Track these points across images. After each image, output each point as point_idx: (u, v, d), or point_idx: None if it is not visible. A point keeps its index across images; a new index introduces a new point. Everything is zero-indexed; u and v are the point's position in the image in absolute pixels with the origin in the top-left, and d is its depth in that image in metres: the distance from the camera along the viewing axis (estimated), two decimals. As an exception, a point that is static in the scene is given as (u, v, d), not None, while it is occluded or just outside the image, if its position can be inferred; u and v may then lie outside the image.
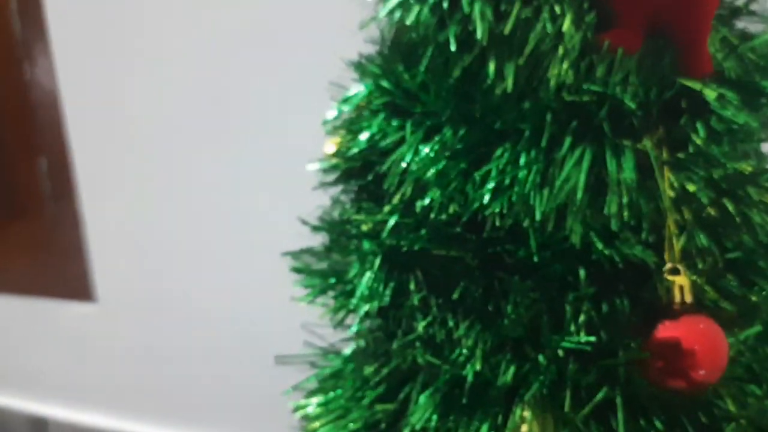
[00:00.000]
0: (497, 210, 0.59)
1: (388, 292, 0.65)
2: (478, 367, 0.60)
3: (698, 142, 0.60)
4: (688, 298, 0.58)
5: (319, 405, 0.72)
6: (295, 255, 0.78)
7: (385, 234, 0.65)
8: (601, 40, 0.59)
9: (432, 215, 0.63)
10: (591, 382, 0.58)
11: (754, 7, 0.66)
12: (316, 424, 0.70)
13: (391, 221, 0.65)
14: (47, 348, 2.15)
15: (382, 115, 0.67)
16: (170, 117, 1.72)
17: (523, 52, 0.60)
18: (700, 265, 0.60)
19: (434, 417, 0.62)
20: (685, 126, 0.60)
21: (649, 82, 0.59)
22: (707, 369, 0.55)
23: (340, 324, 0.74)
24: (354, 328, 0.70)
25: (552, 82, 0.59)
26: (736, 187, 0.60)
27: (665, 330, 0.57)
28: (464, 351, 0.62)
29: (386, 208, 0.67)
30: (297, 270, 0.76)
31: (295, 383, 0.81)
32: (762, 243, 0.62)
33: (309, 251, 0.78)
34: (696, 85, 0.58)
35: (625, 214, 0.57)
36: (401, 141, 0.66)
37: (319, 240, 0.78)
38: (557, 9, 0.59)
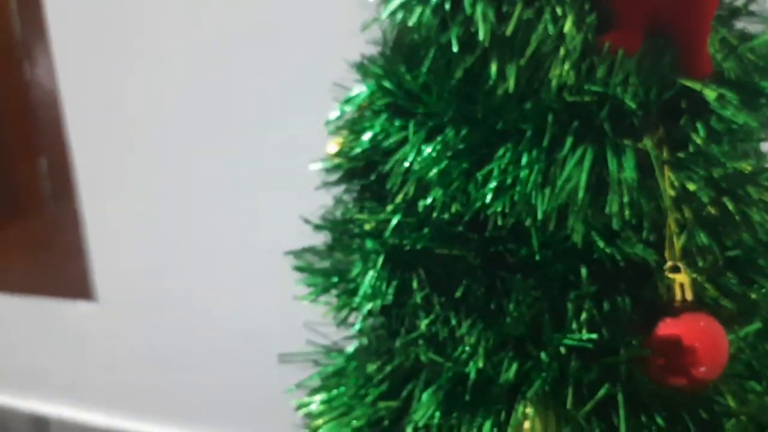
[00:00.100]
0: (499, 209, 0.60)
1: (390, 290, 0.66)
2: (480, 364, 0.61)
3: (698, 141, 0.60)
4: (689, 296, 0.58)
5: (323, 402, 0.73)
6: (298, 254, 0.79)
7: (387, 233, 0.66)
8: (602, 41, 0.59)
9: (434, 214, 0.63)
10: (592, 380, 0.59)
11: (753, 7, 0.67)
12: (320, 421, 0.71)
13: (394, 220, 0.66)
14: (48, 347, 2.16)
15: (384, 116, 0.67)
16: (171, 117, 1.72)
17: (525, 53, 0.61)
18: (700, 263, 0.61)
19: (437, 414, 0.63)
20: (685, 126, 0.61)
21: (649, 83, 0.60)
22: (708, 366, 0.56)
23: (343, 322, 0.74)
24: (357, 327, 0.71)
25: (553, 83, 0.59)
26: (736, 186, 0.61)
27: (666, 327, 0.57)
28: (467, 349, 0.62)
29: (389, 208, 0.67)
30: (300, 269, 0.77)
31: (298, 381, 0.82)
32: (761, 241, 0.63)
33: (311, 250, 0.78)
34: (696, 86, 0.59)
35: (626, 213, 0.58)
36: (404, 141, 0.67)
37: (320, 239, 0.79)
38: (558, 10, 0.60)
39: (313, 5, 1.45)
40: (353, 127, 0.72)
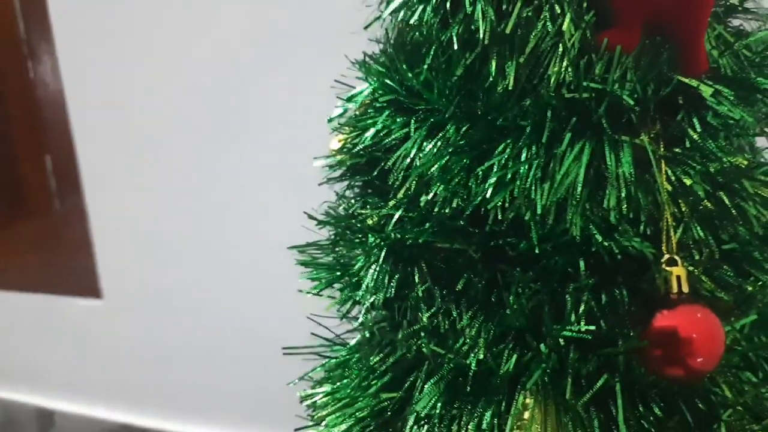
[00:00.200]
0: (499, 204, 0.61)
1: (393, 284, 0.67)
2: (481, 356, 0.62)
3: (695, 136, 0.61)
4: (685, 288, 0.59)
5: (327, 394, 0.74)
6: (301, 248, 0.80)
7: (390, 228, 0.67)
8: (600, 39, 0.60)
9: (436, 209, 0.64)
10: (591, 370, 0.60)
11: (748, 4, 0.68)
12: (324, 412, 0.72)
13: (396, 215, 0.67)
14: (54, 343, 2.17)
15: (386, 113, 0.69)
16: (175, 114, 1.73)
17: (524, 51, 0.62)
18: (696, 256, 0.62)
19: (439, 405, 0.64)
20: (682, 121, 0.62)
21: (647, 79, 0.61)
22: (705, 357, 0.57)
23: (346, 315, 0.75)
24: (360, 320, 0.72)
25: (552, 80, 0.60)
26: (732, 181, 0.62)
27: (663, 319, 0.58)
28: (467, 341, 0.63)
29: (391, 203, 0.68)
30: (304, 263, 0.78)
31: (301, 375, 0.83)
32: (757, 234, 0.64)
33: (315, 245, 0.79)
34: (692, 82, 0.60)
35: (624, 207, 0.59)
36: (406, 137, 0.68)
37: (322, 235, 0.80)
38: (557, 8, 0.61)
39: (316, 4, 1.46)
40: (356, 123, 0.73)
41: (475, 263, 0.65)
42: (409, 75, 0.68)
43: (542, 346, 0.60)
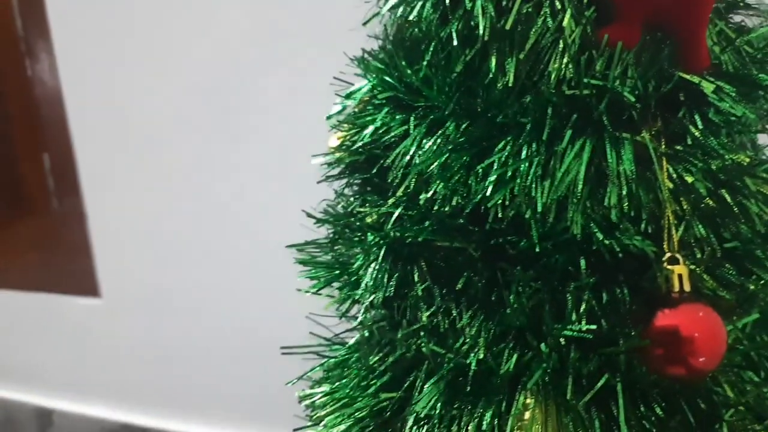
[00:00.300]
0: (499, 202, 0.60)
1: (392, 282, 0.66)
2: (481, 355, 0.61)
3: (696, 133, 0.61)
4: (687, 287, 0.59)
5: (326, 394, 0.73)
6: (300, 247, 0.79)
7: (389, 226, 0.66)
8: (601, 35, 0.59)
9: (436, 207, 0.64)
10: (592, 370, 0.60)
11: (750, 0, 0.67)
12: (323, 412, 0.72)
13: (396, 213, 0.66)
14: (53, 342, 2.17)
15: (386, 110, 0.68)
16: (173, 112, 1.73)
17: (524, 47, 0.61)
18: (698, 255, 0.62)
19: (438, 405, 0.63)
20: (683, 118, 0.62)
21: (648, 76, 0.60)
22: (707, 356, 0.56)
23: (345, 315, 0.75)
24: (359, 319, 0.71)
25: (553, 77, 0.60)
26: (734, 178, 0.61)
27: (664, 318, 0.58)
28: (467, 340, 0.63)
29: (390, 201, 0.68)
30: (303, 262, 0.77)
31: (300, 374, 0.82)
32: (759, 233, 0.63)
33: (314, 243, 0.79)
34: (694, 79, 0.59)
35: (625, 205, 0.58)
36: (405, 135, 0.67)
37: (321, 233, 0.79)
38: (558, 4, 0.60)
39: (313, 1, 1.45)
40: (355, 121, 0.72)
41: (475, 262, 0.64)
42: (408, 72, 0.67)
43: (543, 346, 0.60)
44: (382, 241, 0.68)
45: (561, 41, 0.60)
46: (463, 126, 0.64)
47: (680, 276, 0.59)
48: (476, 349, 0.62)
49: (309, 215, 0.77)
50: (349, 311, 0.75)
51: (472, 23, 0.63)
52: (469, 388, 0.63)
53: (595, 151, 0.59)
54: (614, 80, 0.59)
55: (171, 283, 1.87)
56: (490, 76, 0.63)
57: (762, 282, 0.63)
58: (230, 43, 1.61)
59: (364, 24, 0.72)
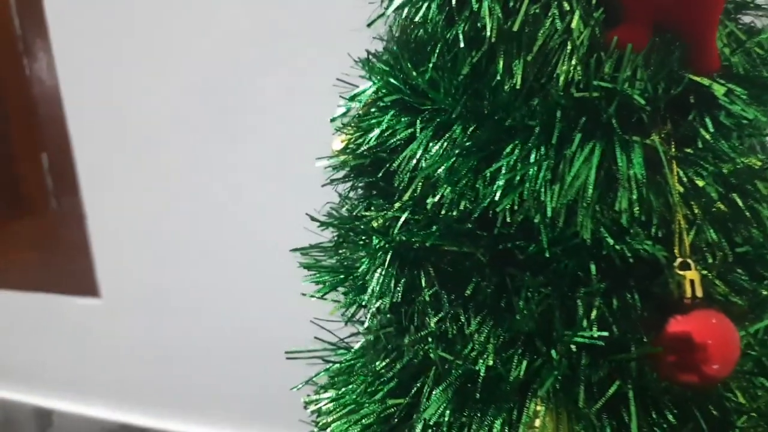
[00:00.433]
0: (508, 206, 0.59)
1: (399, 288, 0.65)
2: (490, 362, 0.61)
3: (707, 137, 0.60)
4: (699, 293, 0.58)
5: (332, 400, 0.73)
6: (305, 251, 0.78)
7: (396, 230, 0.65)
8: (610, 37, 0.59)
9: (443, 212, 0.63)
10: (602, 377, 0.59)
11: (759, 0, 0.66)
12: (329, 418, 0.71)
13: (403, 218, 0.65)
14: (52, 342, 2.16)
15: (391, 112, 0.67)
16: (173, 112, 1.72)
17: (532, 49, 0.60)
18: (710, 260, 0.61)
19: (447, 412, 0.63)
20: (693, 121, 0.61)
21: (658, 78, 0.59)
22: (720, 363, 0.56)
23: (351, 320, 0.74)
24: (366, 324, 0.71)
25: (561, 79, 0.59)
26: (745, 182, 0.61)
27: (677, 324, 0.57)
28: (476, 346, 0.62)
29: (396, 205, 0.67)
30: (307, 266, 0.76)
31: (302, 378, 0.82)
32: (771, 237, 0.63)
33: (318, 247, 0.78)
34: (705, 81, 0.59)
35: (636, 209, 0.57)
36: (411, 138, 0.66)
37: (319, 234, 0.78)
38: (566, 5, 0.59)
39: (315, 2, 1.44)
40: (359, 123, 0.71)
41: (483, 267, 0.63)
42: (414, 74, 0.66)
43: (553, 352, 0.59)
44: (388, 246, 0.67)
45: (569, 43, 0.59)
46: (470, 129, 0.63)
47: (692, 281, 0.58)
48: (485, 356, 0.61)
49: (313, 218, 0.76)
50: (354, 316, 0.74)
51: (479, 25, 0.62)
52: (478, 395, 0.62)
53: (605, 155, 0.58)
54: (623, 83, 0.58)
55: (170, 283, 1.86)
56: (497, 78, 0.62)
57: (774, 287, 0.62)
58: (229, 43, 1.60)
59: (369, 25, 0.71)
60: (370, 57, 0.73)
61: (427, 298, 0.64)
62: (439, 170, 0.63)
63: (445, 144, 0.63)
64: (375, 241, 0.68)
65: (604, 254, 0.60)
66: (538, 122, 0.60)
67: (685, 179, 0.60)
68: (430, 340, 0.65)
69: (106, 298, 2.01)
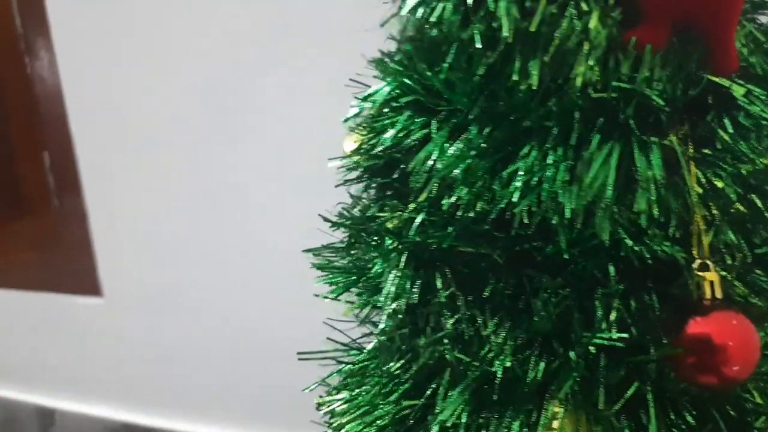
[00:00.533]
0: (526, 208, 0.59)
1: (416, 289, 0.65)
2: (508, 363, 0.60)
3: (725, 137, 0.60)
4: (719, 294, 0.58)
5: (345, 401, 0.72)
6: (316, 251, 0.78)
7: (412, 231, 0.65)
8: (628, 37, 0.58)
9: (459, 213, 0.63)
10: (621, 378, 0.59)
11: (777, 0, 0.66)
12: (343, 420, 0.70)
13: (419, 219, 0.65)
14: (54, 342, 2.16)
15: (407, 113, 0.67)
16: (175, 110, 1.72)
17: (549, 49, 0.60)
18: (728, 261, 0.61)
19: (464, 414, 0.62)
20: (712, 122, 0.61)
21: (676, 79, 0.59)
22: (740, 365, 0.56)
23: (365, 321, 0.74)
24: (381, 326, 0.70)
25: (578, 80, 0.59)
26: (764, 183, 0.60)
27: (696, 326, 0.57)
28: (493, 348, 0.62)
29: (411, 206, 0.67)
30: (320, 266, 0.76)
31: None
32: (790, 238, 0.62)
33: (330, 248, 0.78)
34: (724, 82, 0.58)
35: (655, 210, 0.57)
36: (425, 138, 0.66)
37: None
38: (584, 6, 0.59)
39: (318, 1, 1.44)
40: (373, 124, 0.71)
41: (499, 268, 0.63)
42: (428, 74, 0.66)
43: (571, 354, 0.59)
44: (401, 247, 0.67)
45: (587, 43, 0.58)
46: (487, 130, 0.62)
47: (711, 283, 0.58)
48: (502, 357, 0.61)
49: (325, 219, 0.76)
50: (369, 317, 0.74)
51: (494, 25, 0.62)
52: (495, 397, 0.62)
53: (623, 156, 0.58)
54: (642, 83, 0.58)
55: (172, 282, 1.86)
56: (514, 78, 0.61)
57: (793, 288, 0.62)
58: (231, 42, 1.59)
59: (382, 25, 0.70)
60: (384, 57, 0.73)
61: (443, 300, 0.64)
62: (455, 171, 0.62)
63: (461, 145, 0.63)
64: (388, 241, 0.68)
65: (622, 255, 0.59)
66: (555, 123, 0.60)
67: (703, 180, 0.59)
68: (446, 341, 0.64)
69: (108, 297, 2.01)
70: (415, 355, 0.68)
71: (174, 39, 1.67)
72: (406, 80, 0.67)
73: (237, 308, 1.78)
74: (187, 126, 1.71)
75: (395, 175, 0.70)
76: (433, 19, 0.66)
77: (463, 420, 0.62)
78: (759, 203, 0.60)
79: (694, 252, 0.59)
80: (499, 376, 0.61)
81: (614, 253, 0.60)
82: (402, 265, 0.66)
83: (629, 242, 0.59)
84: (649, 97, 0.57)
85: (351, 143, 0.76)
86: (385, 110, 0.71)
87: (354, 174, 0.75)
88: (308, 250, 0.77)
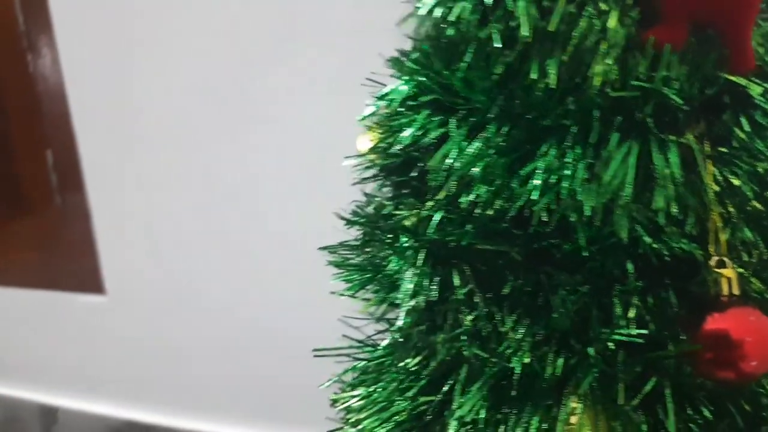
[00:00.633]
0: (545, 206, 0.60)
1: (434, 287, 0.66)
2: (526, 359, 0.61)
3: (742, 136, 0.61)
4: (736, 291, 0.58)
5: (362, 397, 0.73)
6: (332, 249, 0.79)
7: (431, 229, 0.65)
8: (646, 36, 0.59)
9: (478, 211, 0.63)
10: (638, 374, 0.59)
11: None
12: (361, 415, 0.71)
13: (437, 217, 0.66)
14: (58, 340, 2.15)
15: (425, 112, 0.67)
16: (178, 107, 1.71)
17: (567, 49, 0.60)
18: (745, 258, 0.61)
19: (483, 410, 0.63)
20: (728, 121, 0.61)
21: (693, 78, 0.60)
22: (758, 360, 0.56)
23: (381, 318, 0.74)
24: (399, 323, 0.71)
25: (597, 78, 0.59)
26: (781, 181, 0.61)
27: (714, 322, 0.58)
28: (511, 344, 0.62)
29: (429, 204, 0.67)
30: (336, 264, 0.76)
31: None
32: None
33: (346, 245, 0.78)
34: (741, 81, 0.59)
35: (673, 208, 0.58)
36: (444, 137, 0.66)
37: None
38: (602, 5, 0.59)
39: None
40: (390, 123, 0.71)
41: (517, 265, 0.64)
42: (446, 73, 0.66)
43: (590, 350, 0.60)
44: (418, 245, 0.67)
45: (605, 43, 0.59)
46: (505, 129, 0.63)
47: (729, 279, 0.59)
48: (520, 353, 0.62)
49: (341, 217, 0.76)
50: (385, 314, 0.74)
51: (512, 24, 0.62)
52: (514, 393, 0.62)
53: (641, 154, 0.59)
54: (660, 82, 0.58)
55: (175, 280, 1.86)
56: (533, 77, 0.62)
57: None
58: (234, 39, 1.59)
59: (400, 24, 0.71)
60: (401, 56, 0.73)
61: (462, 297, 0.65)
62: (474, 169, 0.63)
63: (480, 143, 0.63)
64: (403, 239, 0.68)
65: (640, 253, 0.60)
66: (574, 122, 0.60)
67: (720, 178, 0.60)
68: (463, 338, 0.65)
69: (112, 295, 2.01)
70: (432, 351, 0.68)
71: (178, 36, 1.67)
72: (424, 79, 0.68)
73: (240, 305, 1.78)
74: (192, 124, 1.71)
75: (413, 174, 0.70)
76: (451, 18, 0.66)
77: (482, 416, 0.63)
78: (775, 201, 0.61)
79: (711, 249, 0.60)
80: (517, 372, 0.62)
81: (632, 251, 0.60)
82: (420, 262, 0.67)
83: (647, 239, 0.59)
84: (667, 95, 0.58)
85: (366, 142, 0.76)
86: (402, 109, 0.71)
87: (370, 172, 0.76)
88: (324, 248, 0.78)
